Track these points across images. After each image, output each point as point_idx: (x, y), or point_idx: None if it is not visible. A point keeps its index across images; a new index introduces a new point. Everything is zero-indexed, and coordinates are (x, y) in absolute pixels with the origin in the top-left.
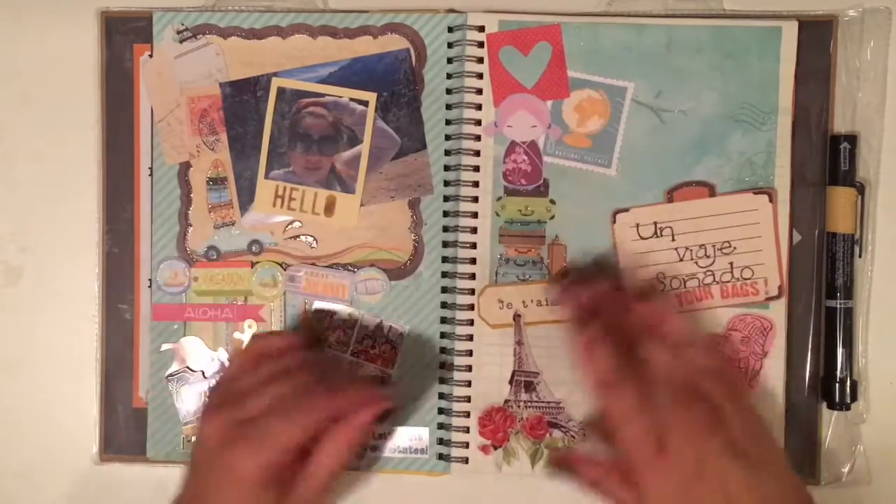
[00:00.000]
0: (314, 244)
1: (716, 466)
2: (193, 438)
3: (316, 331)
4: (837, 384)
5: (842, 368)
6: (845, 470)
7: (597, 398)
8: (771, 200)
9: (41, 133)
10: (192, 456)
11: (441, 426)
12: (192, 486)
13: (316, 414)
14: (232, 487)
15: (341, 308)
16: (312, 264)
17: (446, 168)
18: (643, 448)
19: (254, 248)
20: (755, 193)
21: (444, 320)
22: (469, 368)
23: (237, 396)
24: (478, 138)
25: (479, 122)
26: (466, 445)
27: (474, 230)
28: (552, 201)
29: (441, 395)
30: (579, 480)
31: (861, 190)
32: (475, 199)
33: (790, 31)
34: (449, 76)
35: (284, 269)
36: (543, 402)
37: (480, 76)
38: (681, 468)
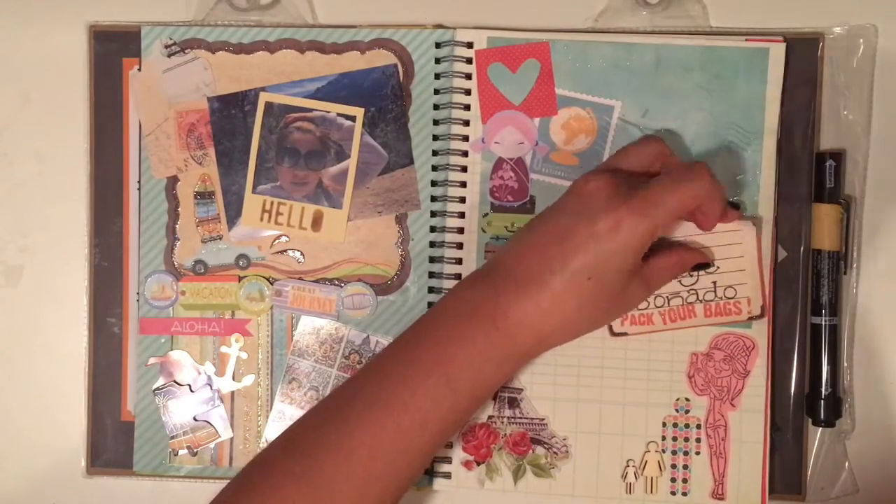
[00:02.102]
0: (301, 259)
1: None
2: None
3: None
4: (822, 401)
5: (826, 385)
6: (832, 487)
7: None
8: (754, 224)
9: (41, 134)
10: (557, 205)
11: None
12: (549, 231)
13: (700, 189)
14: (618, 244)
15: (328, 323)
16: (299, 279)
17: (433, 183)
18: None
19: (241, 262)
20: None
21: None
22: None
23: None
24: (465, 154)
25: (466, 138)
26: (449, 461)
27: (460, 246)
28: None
29: None
30: None
31: (846, 207)
32: (462, 215)
33: (777, 52)
34: (437, 92)
35: (271, 284)
36: (527, 418)
37: (468, 92)
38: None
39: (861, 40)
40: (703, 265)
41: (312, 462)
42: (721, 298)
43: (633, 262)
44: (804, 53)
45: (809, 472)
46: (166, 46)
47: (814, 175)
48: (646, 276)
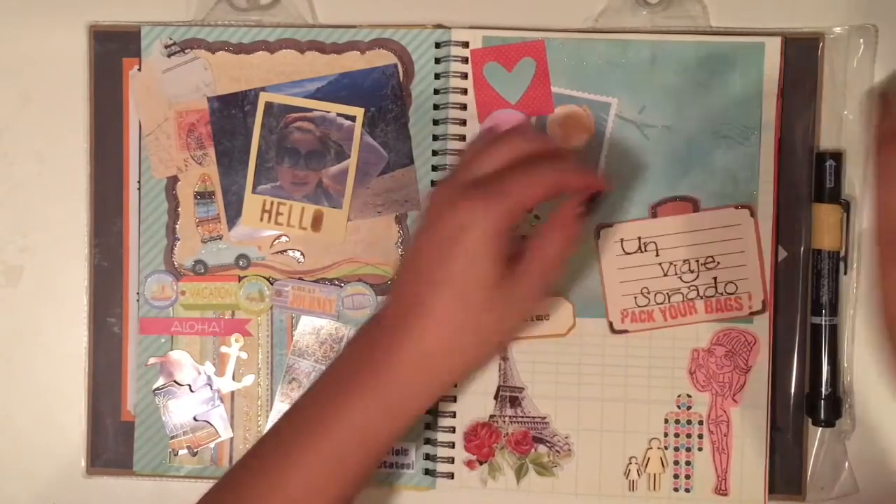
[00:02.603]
0: (301, 259)
1: None
2: (421, 211)
3: None
4: (822, 401)
5: (826, 385)
6: (832, 487)
7: None
8: (752, 215)
9: (41, 134)
10: (419, 225)
11: (427, 441)
12: (416, 250)
13: (553, 174)
14: (464, 242)
15: (328, 323)
16: (299, 279)
17: (433, 183)
18: None
19: (241, 262)
20: (737, 208)
21: None
22: (454, 384)
23: (468, 165)
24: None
25: (463, 138)
26: (452, 461)
27: None
28: (536, 216)
29: (427, 411)
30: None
31: (847, 207)
32: None
33: (773, 47)
34: (436, 91)
35: (271, 284)
36: (528, 417)
37: (465, 92)
38: None
39: (861, 40)
40: (595, 198)
41: None
42: (722, 294)
43: (492, 267)
44: (804, 53)
45: (809, 472)
46: (166, 46)
47: (814, 175)
48: (521, 274)
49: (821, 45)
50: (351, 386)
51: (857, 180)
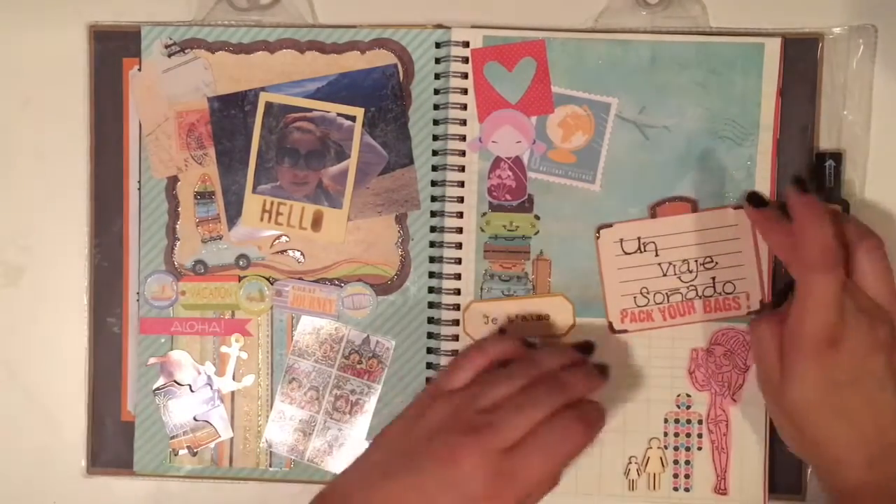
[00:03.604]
0: (301, 259)
1: (872, 383)
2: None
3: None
4: None
5: None
6: None
7: (795, 266)
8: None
9: (41, 134)
10: (405, 423)
11: None
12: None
13: (551, 399)
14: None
15: (328, 323)
16: (299, 279)
17: (433, 183)
18: (815, 337)
19: (241, 262)
20: (735, 209)
21: (430, 335)
22: None
23: (488, 418)
24: (463, 154)
25: (463, 138)
26: None
27: (459, 245)
28: (537, 217)
29: None
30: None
31: (846, 207)
32: (460, 215)
33: (773, 47)
34: (436, 91)
35: (272, 284)
36: None
37: (465, 91)
38: (839, 368)
39: (861, 40)
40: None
41: None
42: (720, 294)
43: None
44: (804, 53)
45: (809, 472)
46: (166, 46)
47: (814, 175)
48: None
49: (821, 45)
50: None
51: (857, 180)
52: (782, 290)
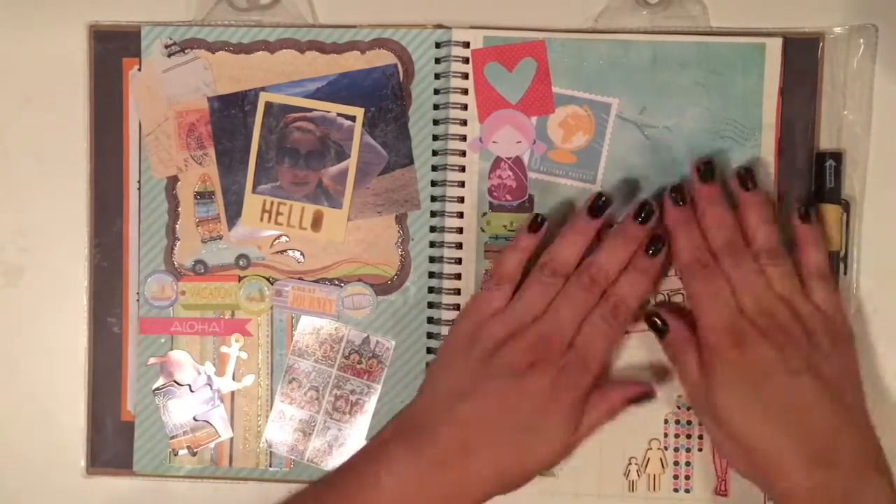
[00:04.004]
0: (301, 259)
1: (792, 378)
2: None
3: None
4: None
5: None
6: None
7: (685, 274)
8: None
9: (41, 134)
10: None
11: None
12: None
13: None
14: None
15: (328, 323)
16: (299, 279)
17: (433, 183)
18: (720, 338)
19: (241, 262)
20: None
21: (430, 335)
22: None
23: (543, 326)
24: (463, 154)
25: (464, 138)
26: None
27: (459, 245)
28: (543, 218)
29: None
30: (664, 338)
31: (847, 207)
32: (460, 215)
33: (774, 47)
34: (436, 91)
35: (272, 284)
36: None
37: (466, 92)
38: (751, 367)
39: (861, 40)
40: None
41: None
42: None
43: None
44: (804, 53)
45: None
46: (166, 46)
47: (814, 175)
48: (574, 439)
49: (821, 45)
50: None
51: (857, 180)
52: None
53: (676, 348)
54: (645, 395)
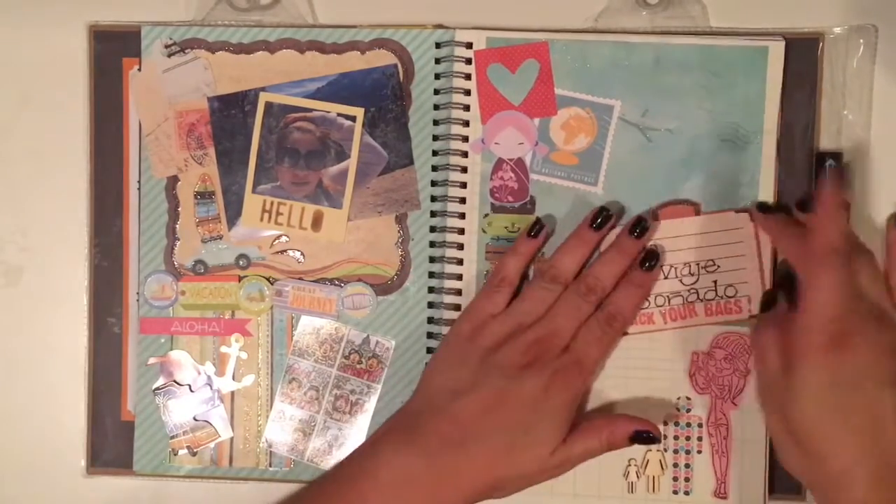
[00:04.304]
0: (301, 259)
1: (877, 390)
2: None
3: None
4: None
5: None
6: None
7: (807, 261)
8: (752, 219)
9: (41, 134)
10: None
11: None
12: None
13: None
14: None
15: (328, 323)
16: (300, 279)
17: (433, 184)
18: (822, 339)
19: (241, 262)
20: (737, 212)
21: (430, 335)
22: None
23: (541, 330)
24: (465, 154)
25: (466, 139)
26: None
27: (461, 246)
28: (538, 219)
29: None
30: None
31: (847, 207)
32: (462, 216)
33: (777, 51)
34: (437, 92)
35: (272, 284)
36: None
37: (468, 92)
38: (843, 371)
39: (861, 40)
40: (646, 437)
41: None
42: (722, 297)
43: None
44: (804, 53)
45: None
46: (166, 46)
47: (814, 175)
48: (565, 451)
49: (821, 45)
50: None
51: (857, 181)
52: (767, 297)
53: (765, 335)
54: (651, 436)
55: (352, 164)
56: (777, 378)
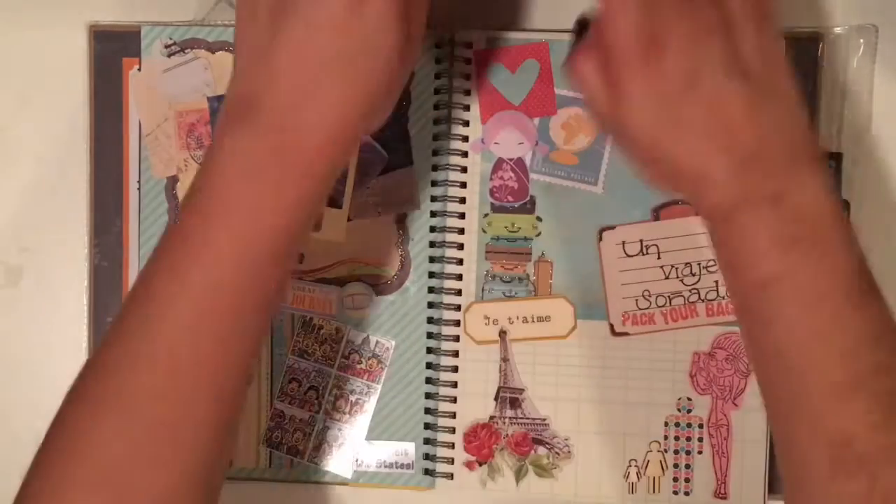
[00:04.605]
0: (301, 259)
1: (712, 82)
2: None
3: None
4: None
5: None
6: None
7: None
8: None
9: (41, 134)
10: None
11: (427, 441)
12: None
13: None
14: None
15: (328, 323)
16: (299, 278)
17: (433, 184)
18: (631, 45)
19: None
20: None
21: (430, 335)
22: (454, 384)
23: None
24: (465, 154)
25: (466, 139)
26: (451, 461)
27: (461, 246)
28: (539, 218)
29: (427, 410)
30: (573, 61)
31: (847, 207)
32: (462, 216)
33: None
34: (437, 92)
35: None
36: (528, 418)
37: (468, 92)
38: (670, 77)
39: (861, 40)
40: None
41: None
42: (723, 297)
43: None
44: (804, 53)
45: None
46: (166, 46)
47: None
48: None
49: (821, 45)
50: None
51: (857, 180)
52: (579, 23)
53: (579, 63)
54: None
55: (352, 164)
56: (605, 105)
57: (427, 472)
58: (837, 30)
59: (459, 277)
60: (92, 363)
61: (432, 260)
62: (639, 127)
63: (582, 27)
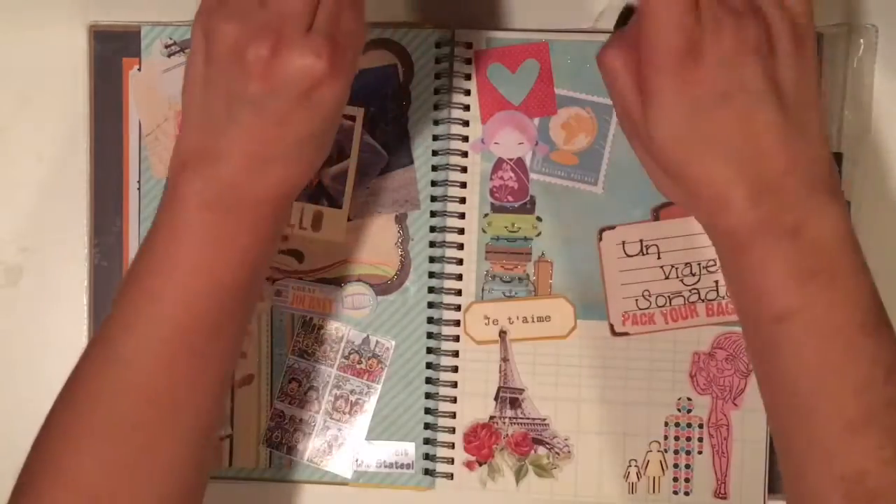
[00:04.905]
0: (301, 258)
1: (746, 102)
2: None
3: None
4: None
5: None
6: None
7: None
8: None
9: (41, 134)
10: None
11: (427, 441)
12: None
13: None
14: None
15: (328, 323)
16: (299, 278)
17: (433, 183)
18: (670, 45)
19: None
20: None
21: (430, 335)
22: (454, 384)
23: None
24: (465, 154)
25: (466, 139)
26: (451, 461)
27: (461, 246)
28: (539, 218)
29: (427, 410)
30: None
31: (847, 207)
32: (462, 216)
33: None
34: (437, 91)
35: (272, 284)
36: (528, 418)
37: (468, 92)
38: (705, 87)
39: (861, 40)
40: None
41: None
42: (723, 297)
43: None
44: None
45: None
46: (166, 46)
47: None
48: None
49: (820, 44)
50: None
51: (857, 180)
52: (623, 12)
53: (611, 59)
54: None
55: (351, 163)
56: (634, 105)
57: (427, 472)
58: (837, 30)
59: (459, 277)
60: (67, 393)
61: (432, 260)
62: (664, 132)
63: (626, 16)
